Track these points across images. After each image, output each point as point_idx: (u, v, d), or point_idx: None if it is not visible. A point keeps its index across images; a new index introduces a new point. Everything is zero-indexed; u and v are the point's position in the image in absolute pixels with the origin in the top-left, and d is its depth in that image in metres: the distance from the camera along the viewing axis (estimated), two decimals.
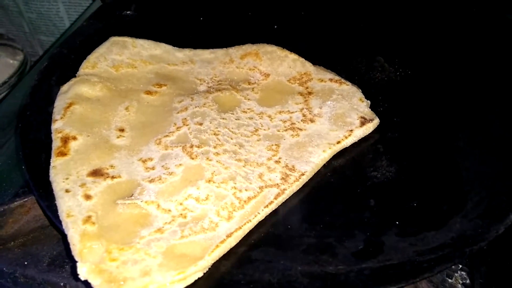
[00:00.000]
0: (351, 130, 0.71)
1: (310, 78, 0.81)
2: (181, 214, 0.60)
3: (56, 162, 0.65)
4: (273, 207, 0.63)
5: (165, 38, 0.88)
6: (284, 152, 0.69)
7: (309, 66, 0.82)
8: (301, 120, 0.74)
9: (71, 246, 0.55)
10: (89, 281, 0.52)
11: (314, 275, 0.56)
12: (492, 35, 0.88)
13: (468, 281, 0.61)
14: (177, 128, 0.72)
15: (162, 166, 0.66)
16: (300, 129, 0.72)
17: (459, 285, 0.61)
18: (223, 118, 0.74)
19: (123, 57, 0.84)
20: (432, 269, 0.56)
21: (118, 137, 0.70)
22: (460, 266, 0.62)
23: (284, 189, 0.64)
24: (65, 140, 0.68)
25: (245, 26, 0.95)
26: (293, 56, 0.84)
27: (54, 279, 0.64)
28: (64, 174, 0.63)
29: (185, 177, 0.65)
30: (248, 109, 0.76)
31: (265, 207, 0.62)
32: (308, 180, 0.67)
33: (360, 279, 0.55)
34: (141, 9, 1.02)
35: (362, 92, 0.77)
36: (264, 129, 0.73)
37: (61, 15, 1.50)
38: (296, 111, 0.75)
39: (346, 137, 0.71)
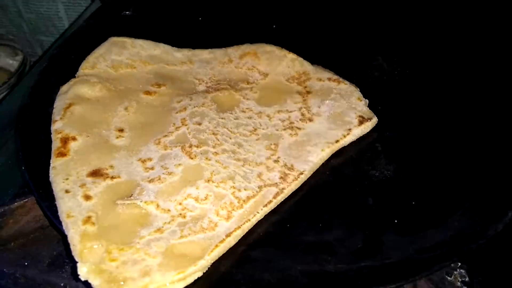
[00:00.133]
0: (350, 129, 0.72)
1: (309, 77, 0.81)
2: (180, 214, 0.60)
3: (56, 162, 0.65)
4: (272, 206, 0.63)
5: (164, 38, 0.88)
6: (283, 152, 0.69)
7: (307, 66, 0.82)
8: (300, 120, 0.74)
9: (71, 247, 0.56)
10: (89, 281, 0.53)
11: (314, 274, 0.56)
12: (491, 34, 0.88)
13: (467, 279, 0.61)
14: (176, 128, 0.72)
15: (162, 166, 0.66)
16: (299, 128, 0.73)
17: (459, 283, 0.61)
18: (222, 118, 0.74)
19: (122, 57, 0.84)
20: (431, 267, 0.56)
21: (117, 138, 0.70)
22: (459, 264, 0.62)
23: (283, 189, 0.64)
24: (65, 141, 0.68)
25: (244, 26, 0.95)
26: (291, 55, 0.84)
27: (54, 279, 0.64)
28: (64, 175, 0.64)
29: (184, 177, 0.65)
30: (247, 108, 0.76)
31: (264, 207, 0.62)
32: (307, 179, 0.67)
33: (360, 278, 0.55)
34: (140, 9, 1.02)
35: (360, 91, 0.77)
36: (263, 129, 0.73)
37: (60, 15, 1.50)
38: (294, 111, 0.76)
39: (344, 136, 0.71)
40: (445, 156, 0.69)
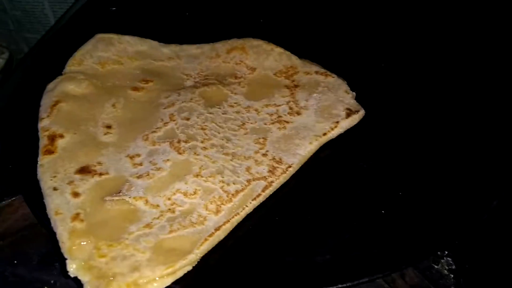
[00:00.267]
0: (337, 122, 0.72)
1: (296, 71, 0.81)
2: (169, 209, 0.60)
3: (43, 160, 0.65)
4: (261, 199, 0.63)
5: (151, 34, 0.88)
6: (271, 145, 0.69)
7: (295, 60, 0.82)
8: (288, 113, 0.74)
9: (60, 244, 0.56)
10: (79, 278, 0.53)
11: (302, 265, 0.57)
12: (479, 25, 0.89)
13: (454, 267, 0.62)
14: (164, 123, 0.72)
15: (150, 161, 0.66)
16: (287, 122, 0.73)
17: (445, 271, 0.62)
18: (210, 113, 0.74)
19: (109, 53, 0.83)
20: (418, 256, 0.57)
21: (105, 134, 0.70)
22: (446, 252, 0.63)
23: (272, 182, 0.64)
24: (52, 138, 0.68)
25: (231, 21, 0.95)
26: (279, 49, 0.84)
27: (44, 277, 0.64)
28: (51, 172, 0.64)
29: (173, 172, 0.65)
30: (235, 103, 0.76)
31: (253, 200, 0.62)
32: (296, 172, 0.67)
33: (348, 268, 0.56)
34: (126, 5, 1.01)
35: (347, 84, 0.77)
36: (251, 123, 0.73)
37: (46, 12, 1.48)
38: (282, 104, 0.76)
39: (332, 129, 0.71)
40: (431, 147, 0.70)
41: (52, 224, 0.58)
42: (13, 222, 0.68)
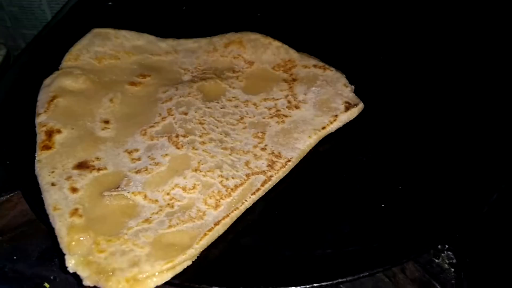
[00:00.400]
0: (336, 115, 0.72)
1: (294, 64, 0.81)
2: (168, 204, 0.60)
3: (41, 156, 0.65)
4: (260, 194, 0.63)
5: (148, 28, 0.88)
6: (270, 139, 0.69)
7: (293, 53, 0.82)
8: (286, 107, 0.74)
9: (59, 239, 0.55)
10: (78, 273, 0.53)
11: (302, 260, 0.56)
12: (483, 25, 0.89)
13: (455, 261, 0.62)
14: (162, 118, 0.72)
15: (148, 156, 0.66)
16: (286, 116, 0.72)
17: (446, 265, 0.62)
18: (208, 107, 0.74)
19: (106, 48, 0.83)
20: (418, 250, 0.57)
21: (103, 129, 0.70)
22: (447, 246, 0.63)
23: (271, 176, 0.64)
24: (50, 134, 0.67)
25: (228, 15, 0.95)
26: (276, 43, 0.83)
27: (44, 272, 0.64)
28: (49, 168, 0.63)
29: (171, 167, 0.65)
30: (233, 97, 0.76)
31: (252, 195, 0.62)
32: (295, 166, 0.67)
33: (348, 262, 0.55)
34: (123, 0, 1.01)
35: (346, 77, 0.77)
36: (250, 117, 0.73)
37: (43, 7, 1.47)
38: (281, 98, 0.75)
39: (331, 123, 0.71)
40: (431, 140, 0.70)
41: (51, 220, 0.58)
42: (12, 218, 0.67)
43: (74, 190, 0.61)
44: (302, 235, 0.59)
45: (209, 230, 0.57)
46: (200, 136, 0.69)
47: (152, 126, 0.71)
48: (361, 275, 0.54)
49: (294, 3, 0.98)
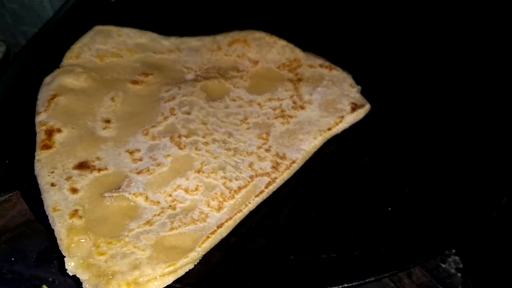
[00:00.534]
0: (342, 117, 0.70)
1: (300, 64, 0.79)
2: (170, 206, 0.59)
3: (40, 155, 0.64)
4: (264, 196, 0.62)
5: (151, 26, 0.86)
6: (274, 140, 0.68)
7: (298, 52, 0.81)
8: (291, 107, 0.73)
9: (58, 241, 0.54)
10: (78, 276, 0.52)
11: (307, 263, 0.55)
12: (491, 26, 0.87)
13: (461, 266, 0.61)
14: (165, 118, 0.71)
15: (150, 157, 0.65)
16: (290, 117, 0.71)
17: (453, 270, 0.61)
18: (212, 107, 0.73)
19: (108, 46, 0.82)
20: (425, 255, 0.56)
21: (104, 129, 0.69)
22: (454, 251, 0.61)
23: (275, 178, 0.63)
24: (50, 133, 0.66)
25: (232, 13, 0.93)
26: (282, 42, 0.82)
27: (42, 274, 0.63)
28: (49, 168, 0.62)
29: (173, 168, 0.64)
30: (237, 97, 0.75)
31: (256, 197, 0.61)
32: (299, 168, 0.66)
33: (353, 267, 0.54)
34: None
35: (352, 77, 0.76)
36: (254, 117, 0.71)
37: (44, 4, 1.46)
38: (286, 98, 0.74)
39: (337, 124, 0.70)
40: (438, 143, 0.69)
41: (50, 221, 0.57)
42: (11, 218, 0.67)
43: (74, 190, 0.60)
44: (306, 239, 0.58)
45: (212, 233, 0.56)
46: (203, 137, 0.68)
47: (154, 126, 0.69)
48: (367, 280, 0.53)
49: (300, 1, 0.97)
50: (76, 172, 0.62)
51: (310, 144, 0.67)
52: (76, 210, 0.57)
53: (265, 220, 0.61)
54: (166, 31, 0.86)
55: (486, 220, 0.59)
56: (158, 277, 0.52)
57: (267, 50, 0.82)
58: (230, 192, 0.61)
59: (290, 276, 0.54)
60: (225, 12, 0.94)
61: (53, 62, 0.78)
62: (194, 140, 0.67)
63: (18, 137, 0.69)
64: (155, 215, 0.58)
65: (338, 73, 0.77)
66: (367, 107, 0.72)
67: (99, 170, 0.63)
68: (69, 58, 0.78)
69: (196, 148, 0.66)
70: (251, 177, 0.63)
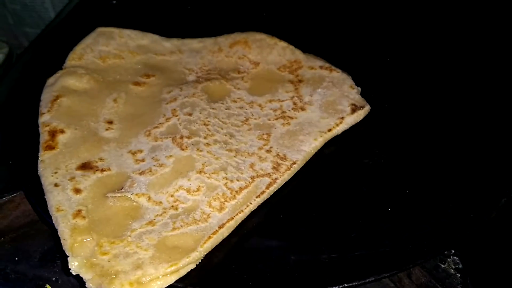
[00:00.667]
0: (342, 118, 0.71)
1: (300, 65, 0.80)
2: (172, 206, 0.60)
3: (44, 156, 0.64)
4: (265, 196, 0.62)
5: (152, 27, 0.87)
6: (275, 141, 0.69)
7: (299, 54, 0.81)
8: (292, 109, 0.73)
9: (62, 241, 0.55)
10: (81, 275, 0.52)
11: (307, 263, 0.56)
12: (491, 26, 0.88)
13: (461, 266, 0.61)
14: (167, 119, 0.71)
15: (152, 158, 0.65)
16: (291, 118, 0.72)
17: (452, 270, 0.61)
18: (213, 108, 0.73)
19: (110, 48, 0.82)
20: (425, 255, 0.56)
21: (106, 130, 0.69)
22: (453, 251, 0.62)
23: (276, 179, 0.64)
24: (53, 134, 0.67)
25: (233, 14, 0.94)
26: (282, 44, 0.83)
27: (46, 274, 0.63)
28: (52, 168, 0.63)
29: (175, 168, 0.64)
30: (238, 98, 0.75)
31: (257, 197, 0.61)
32: (300, 168, 0.66)
33: (354, 267, 0.55)
34: None
35: (352, 79, 0.76)
36: (255, 119, 0.72)
37: (46, 5, 1.47)
38: (286, 100, 0.75)
39: (337, 125, 0.70)
40: (438, 144, 0.69)
41: (54, 221, 0.57)
42: (14, 218, 0.67)
43: (77, 191, 0.60)
44: (307, 239, 0.58)
45: (214, 233, 0.57)
46: (205, 138, 0.68)
47: (156, 127, 0.70)
48: (367, 280, 0.54)
49: (300, 3, 0.98)
50: (79, 172, 0.63)
51: (310, 145, 0.68)
52: (80, 210, 0.58)
53: (266, 220, 0.61)
54: (167, 32, 0.87)
55: (485, 221, 0.59)
56: (160, 276, 0.52)
57: (268, 52, 0.82)
58: (231, 193, 0.61)
59: (291, 276, 0.55)
60: (226, 14, 0.95)
61: (55, 63, 0.78)
62: (195, 141, 0.68)
63: (22, 138, 0.69)
64: (157, 215, 0.58)
65: (338, 75, 0.77)
66: (367, 108, 0.73)
67: (102, 170, 0.63)
68: (71, 60, 0.79)
69: (198, 149, 0.66)
70: (252, 177, 0.63)
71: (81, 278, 0.52)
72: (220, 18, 0.94)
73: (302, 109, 0.73)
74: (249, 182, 0.63)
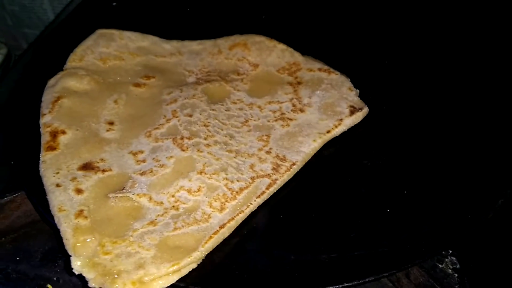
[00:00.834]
0: (341, 119, 0.72)
1: (299, 68, 0.81)
2: (173, 206, 0.60)
3: (45, 156, 0.65)
4: (265, 197, 0.63)
5: (152, 29, 0.88)
6: (274, 143, 0.69)
7: (297, 56, 0.82)
8: (291, 110, 0.74)
9: (64, 241, 0.55)
10: (83, 275, 0.52)
11: (307, 263, 0.56)
12: (489, 28, 0.89)
13: (458, 266, 0.62)
14: (167, 120, 0.72)
15: (153, 158, 0.66)
16: (290, 119, 0.72)
17: (450, 270, 0.62)
18: (213, 110, 0.74)
19: (110, 49, 0.83)
20: (423, 255, 0.57)
21: (107, 131, 0.70)
22: (450, 251, 0.63)
23: (276, 179, 0.64)
24: (54, 134, 0.67)
25: (233, 17, 0.95)
26: (281, 46, 0.83)
27: (47, 274, 0.64)
28: (54, 169, 0.63)
29: (176, 169, 0.65)
30: (237, 100, 0.76)
31: (257, 198, 0.62)
32: (299, 169, 0.67)
33: (353, 267, 0.56)
34: (127, 0, 1.00)
35: (351, 81, 0.77)
36: (254, 120, 0.73)
37: (44, 7, 1.47)
38: (285, 101, 0.75)
39: (336, 126, 0.71)
40: (436, 145, 0.70)
41: (56, 221, 0.57)
42: (15, 218, 0.67)
43: (79, 191, 0.61)
44: (307, 239, 0.59)
45: (215, 233, 0.57)
46: (205, 139, 0.69)
47: (157, 128, 0.71)
48: (367, 279, 0.54)
49: (299, 6, 0.98)
50: (80, 173, 0.63)
51: (309, 146, 0.69)
52: (81, 211, 0.58)
53: (266, 220, 0.62)
54: (167, 34, 0.87)
55: (483, 221, 0.60)
56: (162, 276, 0.53)
57: (267, 54, 0.83)
58: (232, 193, 0.62)
59: (291, 275, 0.55)
60: (226, 16, 0.95)
61: (56, 65, 0.78)
62: (196, 142, 0.68)
63: (23, 139, 0.70)
64: (158, 215, 0.59)
65: (336, 77, 0.78)
66: (365, 110, 0.73)
67: (103, 171, 0.64)
68: (72, 61, 0.79)
69: (198, 150, 0.67)
70: (252, 178, 0.64)
71: (84, 277, 0.52)
72: (220, 20, 0.94)
73: (301, 110, 0.74)
74: (249, 183, 0.63)
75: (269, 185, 0.63)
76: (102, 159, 0.65)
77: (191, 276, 0.55)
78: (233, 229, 0.59)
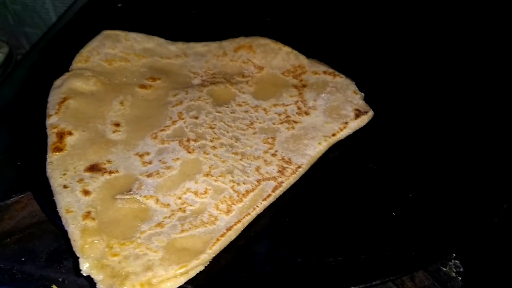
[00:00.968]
0: (346, 123, 0.72)
1: (304, 70, 0.81)
2: (180, 209, 0.60)
3: (52, 157, 0.65)
4: (271, 200, 0.63)
5: (158, 31, 0.88)
6: (280, 145, 0.69)
7: (303, 59, 0.82)
8: (296, 113, 0.74)
9: (72, 242, 0.55)
10: (92, 276, 0.52)
11: (314, 266, 0.57)
12: (495, 31, 0.89)
13: (462, 269, 0.62)
14: (173, 122, 0.72)
15: (160, 160, 0.66)
16: (295, 122, 0.73)
17: (453, 273, 0.62)
18: (219, 112, 0.74)
19: (116, 50, 0.83)
20: (429, 259, 0.57)
21: (114, 132, 0.70)
22: (454, 255, 0.63)
23: (282, 182, 0.64)
24: (61, 136, 0.67)
25: (238, 19, 0.95)
26: (286, 48, 0.84)
27: (52, 274, 0.64)
28: (61, 170, 0.63)
29: (183, 171, 0.65)
30: (243, 102, 0.76)
31: (263, 200, 0.62)
32: (305, 172, 0.67)
33: (359, 270, 0.56)
34: (132, 1, 1.00)
35: (356, 84, 0.77)
36: (260, 122, 0.73)
37: (46, 6, 1.47)
38: (290, 104, 0.76)
39: (341, 130, 0.71)
40: (442, 149, 0.70)
41: (64, 222, 0.58)
42: (21, 219, 0.67)
43: (86, 192, 0.61)
44: (314, 242, 0.59)
45: (222, 236, 0.57)
46: (211, 141, 0.69)
47: (163, 130, 0.71)
48: (373, 283, 0.54)
49: (304, 9, 0.99)
50: (87, 174, 0.63)
51: (315, 149, 0.69)
52: (89, 212, 0.58)
53: (272, 223, 0.62)
54: (172, 36, 0.88)
55: (488, 226, 0.61)
56: (170, 278, 0.53)
57: (272, 56, 0.83)
58: (238, 196, 0.62)
59: (298, 278, 0.55)
60: (231, 19, 0.96)
61: (62, 65, 0.79)
62: (202, 144, 0.68)
63: (29, 140, 0.70)
64: (165, 217, 0.59)
65: (341, 80, 0.78)
66: (371, 113, 0.74)
67: (110, 172, 0.64)
68: (78, 62, 0.79)
69: (204, 152, 0.67)
70: (258, 181, 0.64)
71: (92, 279, 0.52)
72: (225, 22, 0.94)
73: (306, 113, 0.74)
74: (256, 185, 0.64)
75: (275, 188, 0.64)
76: (109, 161, 0.66)
77: (199, 278, 0.55)
78: (239, 232, 0.59)
